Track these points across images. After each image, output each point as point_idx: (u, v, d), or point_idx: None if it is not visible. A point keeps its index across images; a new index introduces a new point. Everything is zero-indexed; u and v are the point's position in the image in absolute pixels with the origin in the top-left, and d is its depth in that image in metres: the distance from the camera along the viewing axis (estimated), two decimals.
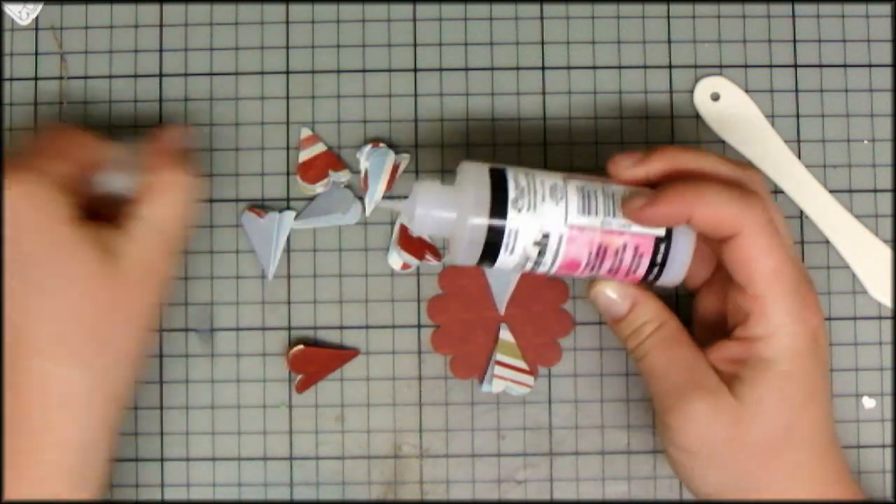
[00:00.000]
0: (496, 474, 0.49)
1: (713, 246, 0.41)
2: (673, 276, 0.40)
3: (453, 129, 0.50)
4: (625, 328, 0.42)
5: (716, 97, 0.49)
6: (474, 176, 0.39)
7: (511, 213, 0.39)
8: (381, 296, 0.49)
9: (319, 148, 0.49)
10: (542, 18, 0.50)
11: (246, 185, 0.49)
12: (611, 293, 0.42)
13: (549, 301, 0.48)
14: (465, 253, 0.40)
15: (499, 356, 0.48)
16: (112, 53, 0.50)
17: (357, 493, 0.48)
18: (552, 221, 0.39)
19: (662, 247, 0.40)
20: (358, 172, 0.49)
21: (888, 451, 0.48)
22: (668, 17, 0.50)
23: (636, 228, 0.39)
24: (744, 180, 0.40)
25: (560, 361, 0.48)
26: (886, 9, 0.50)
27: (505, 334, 0.48)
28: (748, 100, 0.49)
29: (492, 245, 0.39)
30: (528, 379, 0.48)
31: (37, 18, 0.50)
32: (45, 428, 0.39)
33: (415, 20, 0.50)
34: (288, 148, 0.50)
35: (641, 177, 0.41)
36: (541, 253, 0.39)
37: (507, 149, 0.49)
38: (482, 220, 0.39)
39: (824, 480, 0.41)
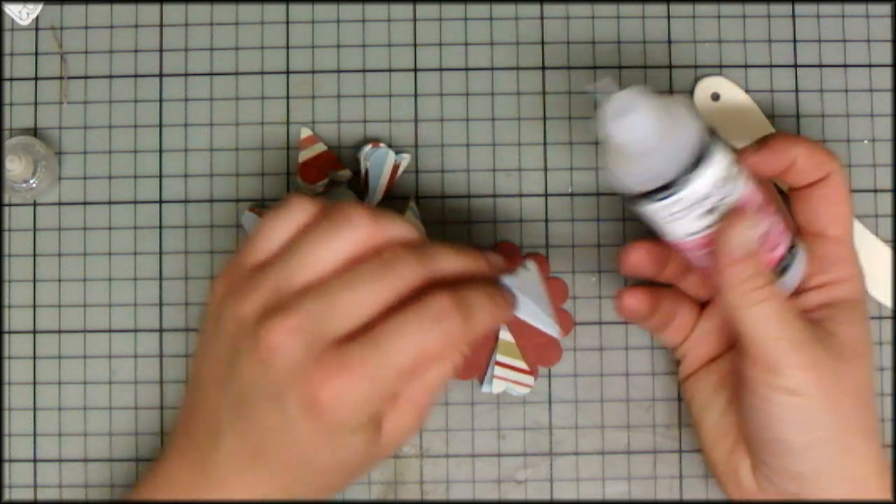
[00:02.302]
0: (496, 474, 0.49)
1: (791, 199, 0.43)
2: (795, 274, 0.41)
3: (453, 129, 0.50)
4: (746, 268, 0.40)
5: (716, 97, 0.49)
6: (691, 110, 0.39)
7: (713, 153, 0.39)
8: None
9: (319, 148, 0.49)
10: (542, 18, 0.50)
11: (246, 185, 0.49)
12: (744, 235, 0.40)
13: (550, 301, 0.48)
14: (655, 175, 0.38)
15: (499, 356, 0.48)
16: (112, 53, 0.50)
17: (357, 493, 0.48)
18: (735, 160, 0.40)
19: (794, 237, 0.42)
20: (358, 172, 0.49)
21: (888, 451, 0.48)
22: (668, 17, 0.50)
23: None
24: None
25: (560, 361, 0.48)
26: (886, 9, 0.50)
27: (505, 334, 0.48)
28: (748, 100, 0.49)
29: (693, 165, 0.38)
30: (528, 379, 0.48)
31: (37, 18, 0.50)
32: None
33: (415, 20, 0.50)
34: (288, 148, 0.50)
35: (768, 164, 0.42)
36: (736, 176, 0.40)
37: (508, 149, 0.49)
38: (695, 148, 0.38)
39: (879, 434, 0.42)
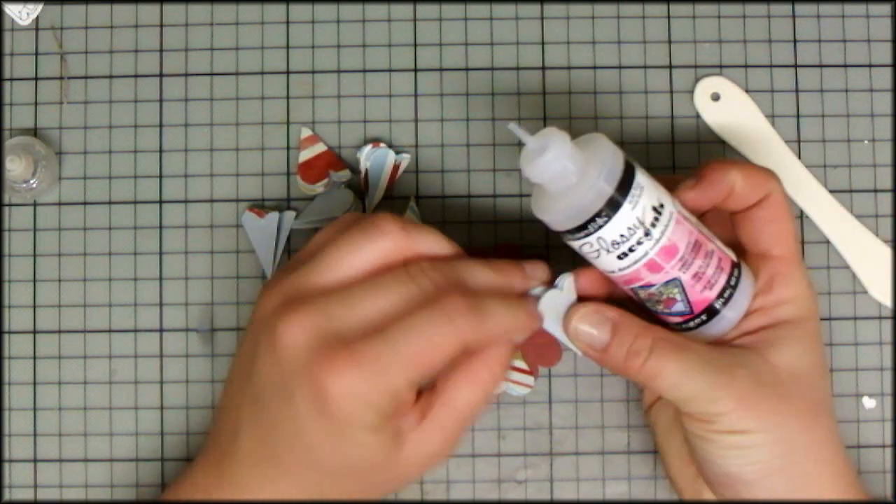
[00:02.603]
0: (496, 474, 0.49)
1: (733, 222, 0.42)
2: (738, 307, 0.40)
3: (453, 129, 0.50)
4: (617, 351, 0.40)
5: (716, 97, 0.49)
6: (609, 149, 0.39)
7: (631, 195, 0.38)
8: None
9: (319, 148, 0.49)
10: (542, 18, 0.50)
11: (246, 185, 0.49)
12: (586, 326, 0.40)
13: None
14: (571, 216, 0.38)
15: None
16: (112, 53, 0.50)
17: None
18: (665, 200, 0.39)
19: (736, 271, 0.40)
20: (358, 172, 0.49)
21: (888, 451, 0.48)
22: (668, 17, 0.50)
23: (719, 243, 0.41)
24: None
25: (560, 361, 0.48)
26: (886, 9, 0.50)
27: None
28: (748, 100, 0.49)
29: (608, 207, 0.38)
30: (528, 379, 0.48)
31: (37, 18, 0.50)
32: None
33: (415, 20, 0.50)
34: (288, 148, 0.50)
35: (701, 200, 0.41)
36: (655, 221, 0.38)
37: (508, 149, 0.49)
38: (608, 190, 0.38)
39: (840, 451, 0.41)
